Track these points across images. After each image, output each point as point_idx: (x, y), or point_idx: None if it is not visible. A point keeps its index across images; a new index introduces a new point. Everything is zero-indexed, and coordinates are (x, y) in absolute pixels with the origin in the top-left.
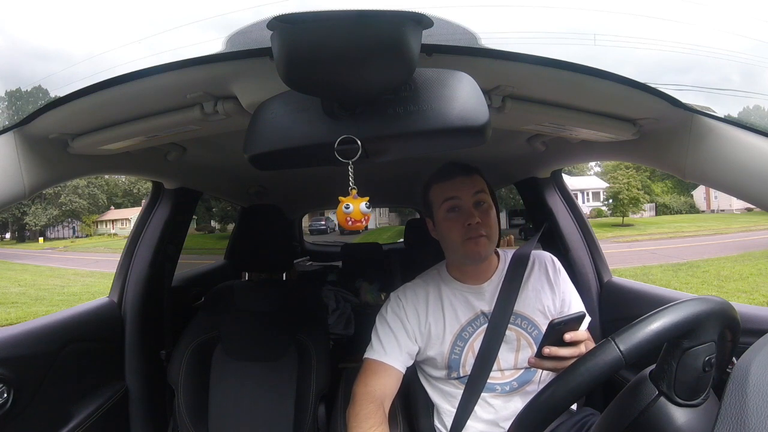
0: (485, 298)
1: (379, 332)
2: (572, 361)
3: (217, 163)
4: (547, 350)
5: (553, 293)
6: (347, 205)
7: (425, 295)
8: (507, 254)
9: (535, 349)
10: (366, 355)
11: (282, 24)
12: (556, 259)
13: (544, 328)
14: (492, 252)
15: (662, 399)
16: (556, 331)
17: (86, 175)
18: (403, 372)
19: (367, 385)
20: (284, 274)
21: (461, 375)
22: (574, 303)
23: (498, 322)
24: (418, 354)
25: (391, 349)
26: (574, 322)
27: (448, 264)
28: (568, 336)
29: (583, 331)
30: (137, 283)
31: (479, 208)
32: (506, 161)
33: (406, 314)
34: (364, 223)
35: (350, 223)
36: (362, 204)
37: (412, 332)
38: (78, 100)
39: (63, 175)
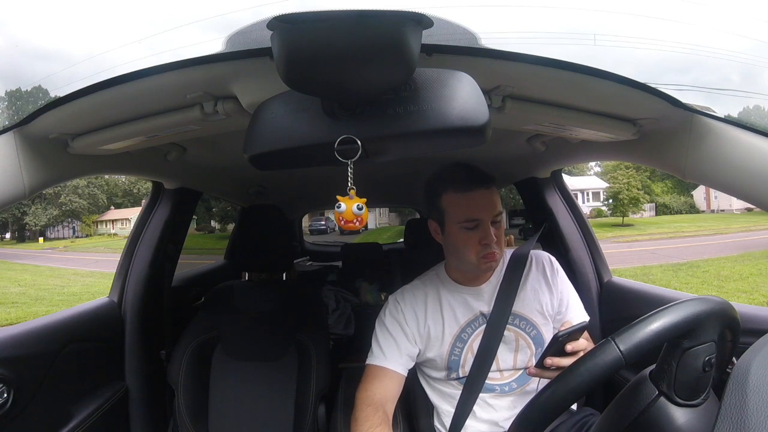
0: (484, 298)
1: (379, 337)
2: None
3: (217, 163)
4: (549, 361)
5: (551, 293)
6: (339, 204)
7: (424, 298)
8: (506, 254)
9: (534, 350)
10: (367, 361)
11: (282, 24)
12: (554, 259)
13: (542, 328)
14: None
15: (662, 399)
16: (559, 343)
17: (86, 175)
18: (405, 375)
19: (366, 390)
20: (284, 274)
21: (460, 376)
22: (572, 303)
23: (497, 322)
24: (418, 355)
25: (391, 353)
26: (577, 332)
27: (447, 266)
28: (570, 347)
29: (582, 340)
30: (137, 283)
31: (495, 225)
32: (506, 161)
33: (404, 317)
34: (357, 224)
35: (343, 222)
36: (354, 205)
37: (411, 335)
38: (78, 100)
39: (63, 175)
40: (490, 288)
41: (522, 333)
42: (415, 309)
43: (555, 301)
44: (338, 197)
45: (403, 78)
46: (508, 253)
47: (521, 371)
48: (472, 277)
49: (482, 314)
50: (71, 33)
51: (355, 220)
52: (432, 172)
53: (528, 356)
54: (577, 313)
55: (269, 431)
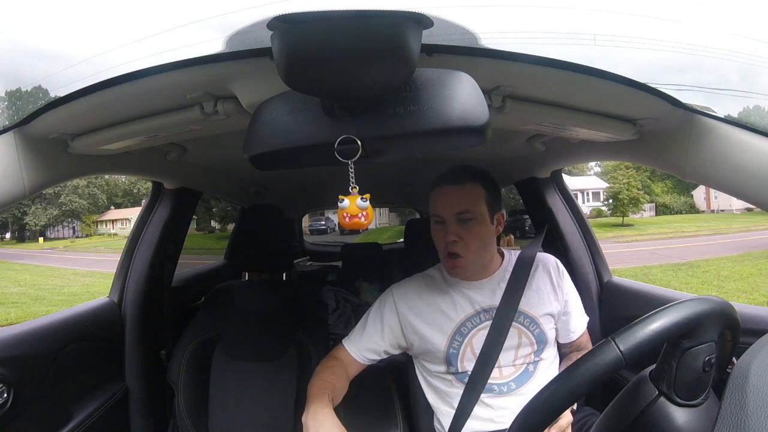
0: (485, 293)
1: (359, 322)
2: None
3: (217, 163)
4: None
5: (555, 295)
6: (342, 199)
7: (422, 290)
8: (512, 254)
9: (535, 347)
10: (343, 339)
11: (282, 24)
12: (559, 262)
13: (545, 326)
14: (473, 271)
15: (662, 399)
16: None
17: (86, 175)
18: (362, 363)
19: (332, 352)
20: (284, 274)
21: (459, 371)
22: (575, 307)
23: (502, 322)
24: (412, 348)
25: (356, 340)
26: None
27: None
28: None
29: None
30: (137, 283)
31: (463, 225)
32: (506, 161)
33: (395, 308)
34: (362, 219)
35: (347, 219)
36: (358, 199)
37: (391, 328)
38: (78, 100)
39: (63, 175)
40: (492, 284)
41: (525, 330)
42: (409, 301)
43: (560, 304)
44: (340, 196)
45: (403, 78)
46: (515, 254)
47: (521, 369)
48: (471, 273)
49: (483, 310)
50: (71, 33)
51: (359, 215)
52: None
53: (529, 353)
54: (578, 318)
55: (269, 431)
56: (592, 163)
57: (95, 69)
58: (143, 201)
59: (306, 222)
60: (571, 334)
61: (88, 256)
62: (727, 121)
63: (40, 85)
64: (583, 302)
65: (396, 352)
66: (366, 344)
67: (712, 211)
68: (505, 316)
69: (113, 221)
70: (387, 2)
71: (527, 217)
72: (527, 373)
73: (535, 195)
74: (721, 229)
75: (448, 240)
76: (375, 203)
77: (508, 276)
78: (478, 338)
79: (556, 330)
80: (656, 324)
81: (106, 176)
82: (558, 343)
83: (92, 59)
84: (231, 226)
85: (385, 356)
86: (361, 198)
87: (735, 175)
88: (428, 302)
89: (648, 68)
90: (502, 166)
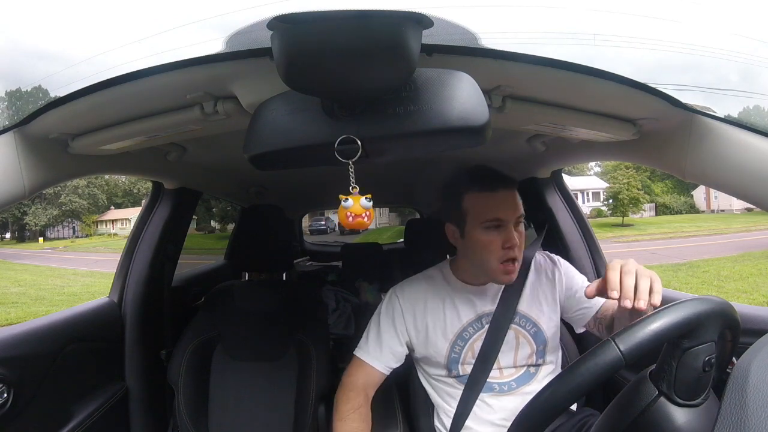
0: (488, 298)
1: (370, 331)
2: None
3: (217, 163)
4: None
5: (553, 287)
6: (346, 199)
7: (424, 293)
8: None
9: (534, 347)
10: (354, 351)
11: (282, 24)
12: (550, 253)
13: (543, 325)
14: None
15: (662, 399)
16: None
17: (86, 175)
18: (385, 373)
19: (350, 376)
20: (284, 274)
21: (460, 374)
22: (580, 280)
23: (499, 324)
24: (414, 352)
25: (374, 351)
26: None
27: (455, 266)
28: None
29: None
30: (137, 283)
31: (517, 228)
32: (506, 161)
33: (402, 312)
34: (366, 219)
35: (351, 219)
36: (362, 198)
37: (402, 332)
38: (78, 100)
39: (63, 175)
40: (494, 287)
41: (522, 331)
42: (414, 304)
43: (560, 292)
44: (341, 195)
45: (403, 78)
46: None
47: (522, 370)
48: (482, 279)
49: (486, 314)
50: (71, 33)
51: (363, 214)
52: (452, 174)
53: (528, 353)
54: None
55: (269, 431)
56: (592, 163)
57: (95, 69)
58: (143, 201)
59: (306, 222)
60: (592, 307)
61: (88, 256)
62: (727, 121)
63: (40, 85)
64: None
65: (407, 353)
66: (388, 353)
67: (712, 211)
68: (502, 318)
69: (113, 221)
70: (387, 2)
71: None
72: (528, 374)
73: (535, 195)
74: (721, 229)
75: (512, 244)
76: (375, 203)
77: None
78: (479, 343)
79: (576, 316)
80: (656, 324)
81: (106, 176)
82: (596, 323)
83: (92, 59)
84: (231, 226)
85: (402, 360)
86: (365, 198)
87: (735, 175)
88: (432, 306)
89: (648, 68)
90: (502, 166)
